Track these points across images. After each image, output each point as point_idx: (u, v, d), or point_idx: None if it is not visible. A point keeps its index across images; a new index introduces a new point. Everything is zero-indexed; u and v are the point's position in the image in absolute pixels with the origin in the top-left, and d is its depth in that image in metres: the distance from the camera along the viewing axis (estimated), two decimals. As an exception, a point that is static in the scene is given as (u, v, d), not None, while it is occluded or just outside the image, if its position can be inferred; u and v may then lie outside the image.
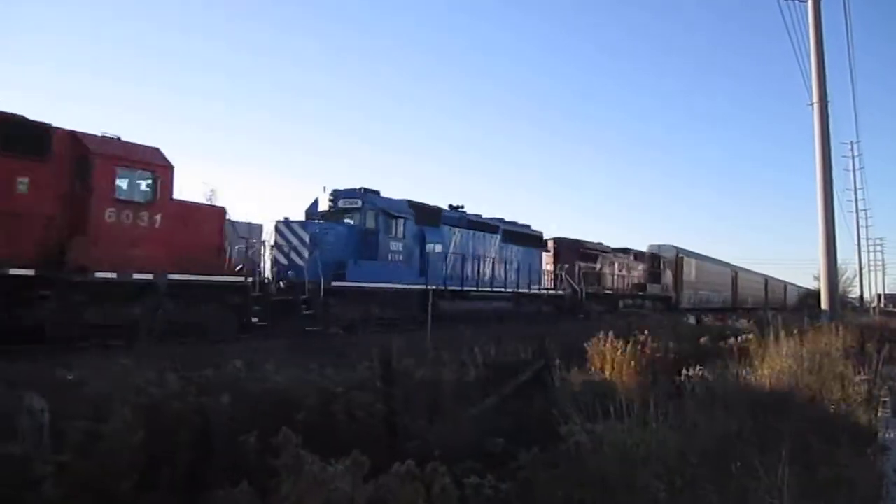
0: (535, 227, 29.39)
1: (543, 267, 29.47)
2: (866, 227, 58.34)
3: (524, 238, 27.26)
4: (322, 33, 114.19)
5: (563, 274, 29.65)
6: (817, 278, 33.01)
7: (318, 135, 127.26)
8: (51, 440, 4.33)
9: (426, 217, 21.24)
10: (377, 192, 19.67)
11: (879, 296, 69.18)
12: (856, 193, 51.94)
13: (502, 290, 24.70)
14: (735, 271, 57.97)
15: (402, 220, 19.83)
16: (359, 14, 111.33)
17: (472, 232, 23.42)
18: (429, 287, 19.72)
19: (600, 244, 35.11)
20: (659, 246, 44.13)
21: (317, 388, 5.08)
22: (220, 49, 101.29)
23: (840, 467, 5.50)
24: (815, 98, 20.04)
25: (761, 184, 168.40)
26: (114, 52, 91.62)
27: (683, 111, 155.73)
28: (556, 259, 30.61)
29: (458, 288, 21.79)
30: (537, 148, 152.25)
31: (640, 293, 38.80)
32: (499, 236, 25.05)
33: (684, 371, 8.58)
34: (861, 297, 60.10)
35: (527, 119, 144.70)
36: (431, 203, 22.26)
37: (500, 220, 25.99)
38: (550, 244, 30.79)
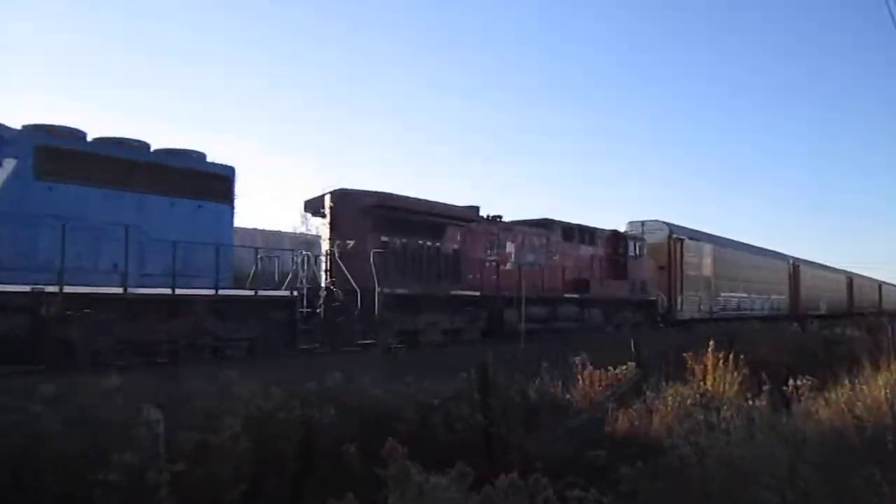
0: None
1: (323, 246, 16.72)
2: None
3: (150, 174, 12.62)
4: (321, 32, 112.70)
5: (328, 260, 15.95)
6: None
7: (317, 133, 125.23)
8: (165, 450, 4.55)
9: None
10: None
11: None
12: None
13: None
14: (794, 264, 42.29)
15: None
16: (358, 12, 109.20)
17: None
18: None
19: (475, 208, 19.74)
20: (642, 223, 28.16)
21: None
22: (219, 44, 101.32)
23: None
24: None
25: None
26: (105, 48, 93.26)
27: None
28: (334, 230, 16.18)
29: None
30: (555, 139, 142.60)
31: (575, 295, 22.21)
32: (18, 162, 10.82)
33: (791, 381, 8.18)
34: None
35: (539, 110, 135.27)
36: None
37: (34, 126, 11.55)
38: (327, 202, 16.41)
